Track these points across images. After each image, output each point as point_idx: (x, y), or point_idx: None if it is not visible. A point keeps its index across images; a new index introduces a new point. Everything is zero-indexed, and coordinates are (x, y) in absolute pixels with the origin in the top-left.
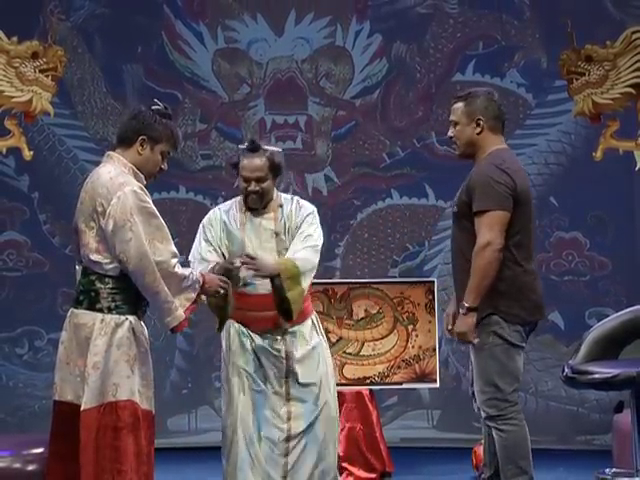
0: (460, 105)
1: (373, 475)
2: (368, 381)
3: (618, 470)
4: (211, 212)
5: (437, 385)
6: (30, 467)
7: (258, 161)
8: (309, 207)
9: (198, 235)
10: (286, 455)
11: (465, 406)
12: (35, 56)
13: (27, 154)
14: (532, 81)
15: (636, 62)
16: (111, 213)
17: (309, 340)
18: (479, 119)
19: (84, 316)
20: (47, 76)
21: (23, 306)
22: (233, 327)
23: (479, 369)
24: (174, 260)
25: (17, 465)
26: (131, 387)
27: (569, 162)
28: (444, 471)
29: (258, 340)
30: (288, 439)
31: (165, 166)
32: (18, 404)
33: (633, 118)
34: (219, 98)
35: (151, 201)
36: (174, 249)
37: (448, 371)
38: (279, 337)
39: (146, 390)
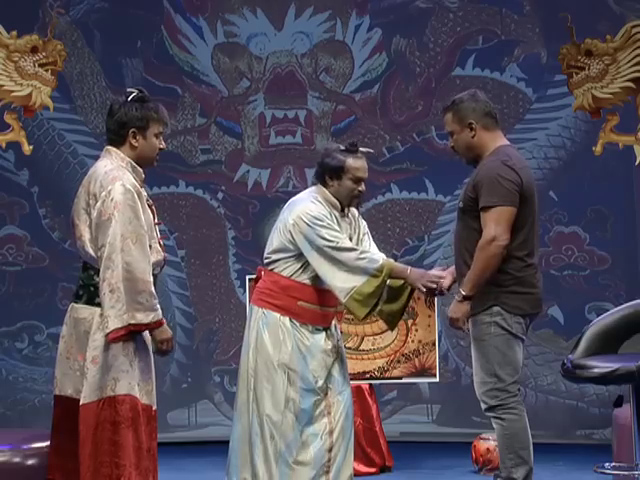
0: (449, 115)
1: (373, 469)
2: (368, 375)
3: (618, 464)
4: (316, 207)
5: (437, 379)
6: (30, 461)
7: (364, 162)
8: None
9: (319, 225)
10: (330, 450)
11: (465, 400)
12: (35, 50)
13: (27, 148)
14: (532, 75)
15: (636, 56)
16: (98, 206)
17: (339, 334)
18: (470, 123)
19: (83, 310)
20: (47, 70)
21: (23, 301)
22: (283, 325)
23: (481, 360)
24: (142, 265)
25: (17, 459)
26: (130, 382)
27: (569, 156)
28: (443, 465)
29: (313, 338)
30: (331, 433)
31: (163, 144)
32: (18, 398)
33: (633, 112)
34: (219, 92)
35: (140, 202)
36: (147, 255)
37: (448, 366)
38: (327, 333)
39: (145, 385)
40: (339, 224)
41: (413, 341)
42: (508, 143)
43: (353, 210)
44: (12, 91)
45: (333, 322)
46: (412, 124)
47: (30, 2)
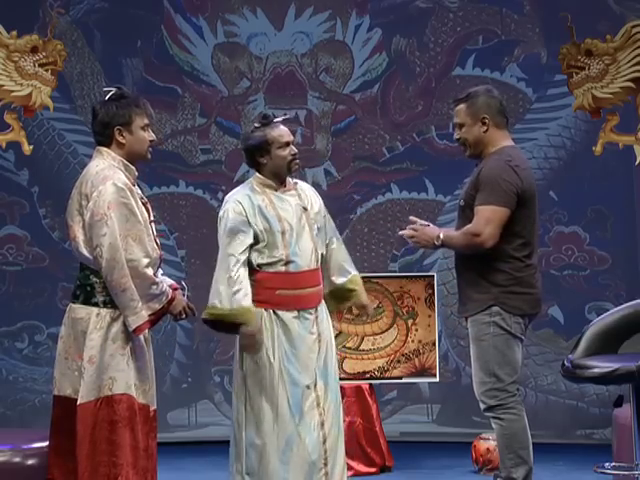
0: (462, 107)
1: (373, 469)
2: (368, 375)
3: (618, 464)
4: (234, 203)
5: (437, 379)
6: (30, 461)
7: (284, 127)
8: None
9: (229, 230)
10: (324, 442)
11: (465, 400)
12: (35, 50)
13: (27, 148)
14: (532, 75)
15: (636, 56)
16: (90, 206)
17: (328, 323)
18: (484, 117)
19: (80, 310)
20: (47, 70)
21: (23, 300)
22: (267, 320)
23: (480, 360)
24: (145, 260)
25: (17, 459)
26: (127, 381)
27: (569, 156)
28: (444, 465)
29: (296, 331)
30: (322, 424)
31: (153, 136)
32: (18, 398)
33: (633, 112)
34: (219, 92)
35: (133, 199)
36: (148, 250)
37: (448, 365)
38: (313, 318)
39: (142, 384)
40: (274, 204)
41: (413, 341)
42: (513, 144)
43: (303, 185)
44: (12, 91)
45: (322, 308)
46: (412, 124)
47: (30, 2)
